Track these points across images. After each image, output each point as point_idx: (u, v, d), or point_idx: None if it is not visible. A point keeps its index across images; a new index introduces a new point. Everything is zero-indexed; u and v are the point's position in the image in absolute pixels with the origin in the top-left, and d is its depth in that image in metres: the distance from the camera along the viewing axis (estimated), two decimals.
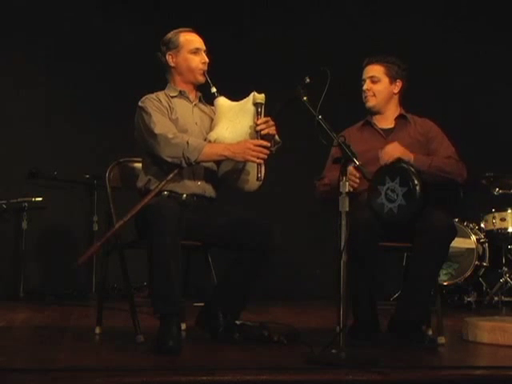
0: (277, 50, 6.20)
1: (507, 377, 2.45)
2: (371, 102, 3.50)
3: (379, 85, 3.49)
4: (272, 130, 3.15)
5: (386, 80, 3.49)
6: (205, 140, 3.19)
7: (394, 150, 3.24)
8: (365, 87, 3.50)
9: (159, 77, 3.41)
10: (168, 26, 3.42)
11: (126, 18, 6.19)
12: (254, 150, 3.06)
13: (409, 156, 3.25)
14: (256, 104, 3.15)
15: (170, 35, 3.33)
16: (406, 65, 3.53)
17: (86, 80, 6.06)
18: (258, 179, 3.11)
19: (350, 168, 3.08)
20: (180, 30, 3.34)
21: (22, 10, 6.00)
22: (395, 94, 3.53)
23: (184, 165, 3.09)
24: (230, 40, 6.07)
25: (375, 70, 3.50)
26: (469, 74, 6.38)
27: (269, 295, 4.79)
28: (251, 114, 3.17)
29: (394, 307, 3.27)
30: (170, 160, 3.09)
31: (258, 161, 3.08)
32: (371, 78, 3.49)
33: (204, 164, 3.20)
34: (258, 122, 3.12)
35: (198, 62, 3.29)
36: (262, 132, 3.11)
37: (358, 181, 3.16)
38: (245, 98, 3.21)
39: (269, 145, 3.11)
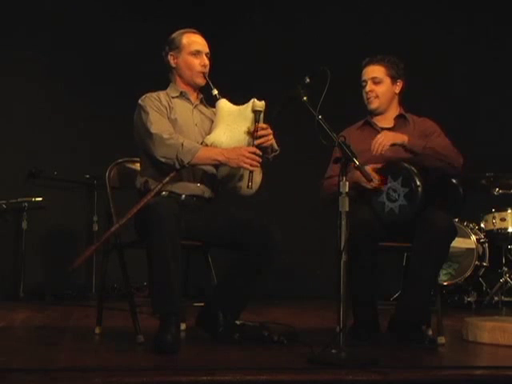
0: (277, 50, 6.20)
1: (507, 377, 2.45)
2: (374, 104, 3.47)
3: (382, 86, 3.46)
4: (268, 140, 3.14)
5: (387, 81, 3.46)
6: (201, 143, 3.19)
7: (384, 139, 3.17)
8: (367, 89, 3.45)
9: (160, 77, 3.41)
10: (168, 26, 3.42)
11: (126, 19, 6.20)
12: (248, 157, 3.05)
13: (402, 138, 3.20)
14: (255, 111, 3.15)
15: (173, 35, 3.33)
16: (403, 63, 3.52)
17: (86, 80, 6.07)
18: (248, 187, 3.10)
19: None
20: (185, 30, 3.33)
21: (23, 9, 6.00)
22: (396, 94, 3.51)
23: (177, 166, 3.08)
24: (230, 40, 6.07)
25: (376, 71, 3.46)
26: (469, 74, 6.38)
27: (269, 295, 4.80)
28: (249, 121, 3.17)
29: (394, 307, 3.27)
30: (163, 160, 3.09)
31: (251, 168, 3.07)
32: (373, 79, 3.45)
33: (202, 167, 3.20)
34: (259, 126, 3.12)
35: (198, 64, 3.28)
36: (257, 141, 3.11)
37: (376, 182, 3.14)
38: (245, 101, 3.21)
39: (261, 153, 3.10)
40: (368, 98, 3.47)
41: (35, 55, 6.08)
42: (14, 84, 6.01)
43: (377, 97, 3.46)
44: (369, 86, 3.45)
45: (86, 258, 2.98)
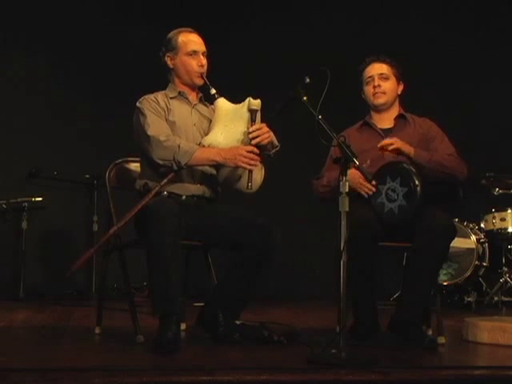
0: (277, 50, 6.19)
1: (507, 377, 2.45)
2: (382, 99, 3.48)
3: (389, 83, 3.48)
4: (265, 138, 3.14)
5: (393, 79, 3.49)
6: (199, 144, 3.19)
7: (394, 140, 3.23)
8: (375, 83, 3.47)
9: (160, 77, 3.41)
10: (168, 26, 3.41)
11: (125, 19, 6.19)
12: (245, 157, 3.05)
13: (409, 149, 3.24)
14: (251, 110, 3.14)
15: (169, 35, 3.33)
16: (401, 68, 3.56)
17: (86, 80, 6.06)
18: (247, 187, 3.10)
19: (361, 179, 3.10)
20: (180, 30, 3.33)
21: (23, 9, 6.00)
22: (398, 95, 3.53)
23: (175, 168, 3.08)
24: (229, 40, 6.07)
25: (384, 68, 3.48)
26: (469, 74, 6.38)
27: (269, 295, 4.79)
28: (246, 120, 3.16)
29: (394, 307, 3.27)
30: (161, 162, 3.09)
31: (248, 167, 3.07)
32: (381, 75, 3.47)
33: (201, 167, 3.20)
34: (251, 129, 3.12)
35: (195, 64, 3.27)
36: (253, 140, 3.11)
37: (373, 189, 3.16)
38: (243, 100, 3.20)
39: (258, 152, 3.10)
40: (375, 94, 3.48)
41: (35, 55, 6.08)
42: (14, 84, 6.01)
43: (384, 93, 3.47)
44: (377, 81, 3.47)
45: (84, 261, 2.98)
